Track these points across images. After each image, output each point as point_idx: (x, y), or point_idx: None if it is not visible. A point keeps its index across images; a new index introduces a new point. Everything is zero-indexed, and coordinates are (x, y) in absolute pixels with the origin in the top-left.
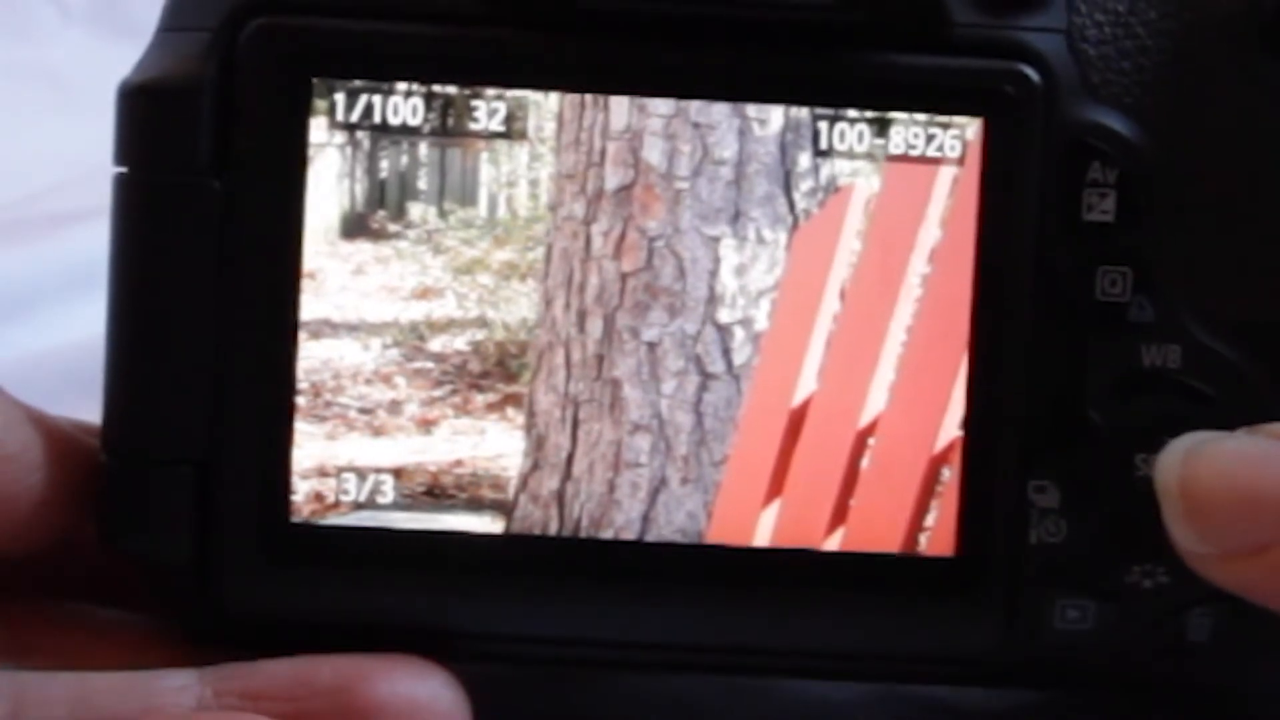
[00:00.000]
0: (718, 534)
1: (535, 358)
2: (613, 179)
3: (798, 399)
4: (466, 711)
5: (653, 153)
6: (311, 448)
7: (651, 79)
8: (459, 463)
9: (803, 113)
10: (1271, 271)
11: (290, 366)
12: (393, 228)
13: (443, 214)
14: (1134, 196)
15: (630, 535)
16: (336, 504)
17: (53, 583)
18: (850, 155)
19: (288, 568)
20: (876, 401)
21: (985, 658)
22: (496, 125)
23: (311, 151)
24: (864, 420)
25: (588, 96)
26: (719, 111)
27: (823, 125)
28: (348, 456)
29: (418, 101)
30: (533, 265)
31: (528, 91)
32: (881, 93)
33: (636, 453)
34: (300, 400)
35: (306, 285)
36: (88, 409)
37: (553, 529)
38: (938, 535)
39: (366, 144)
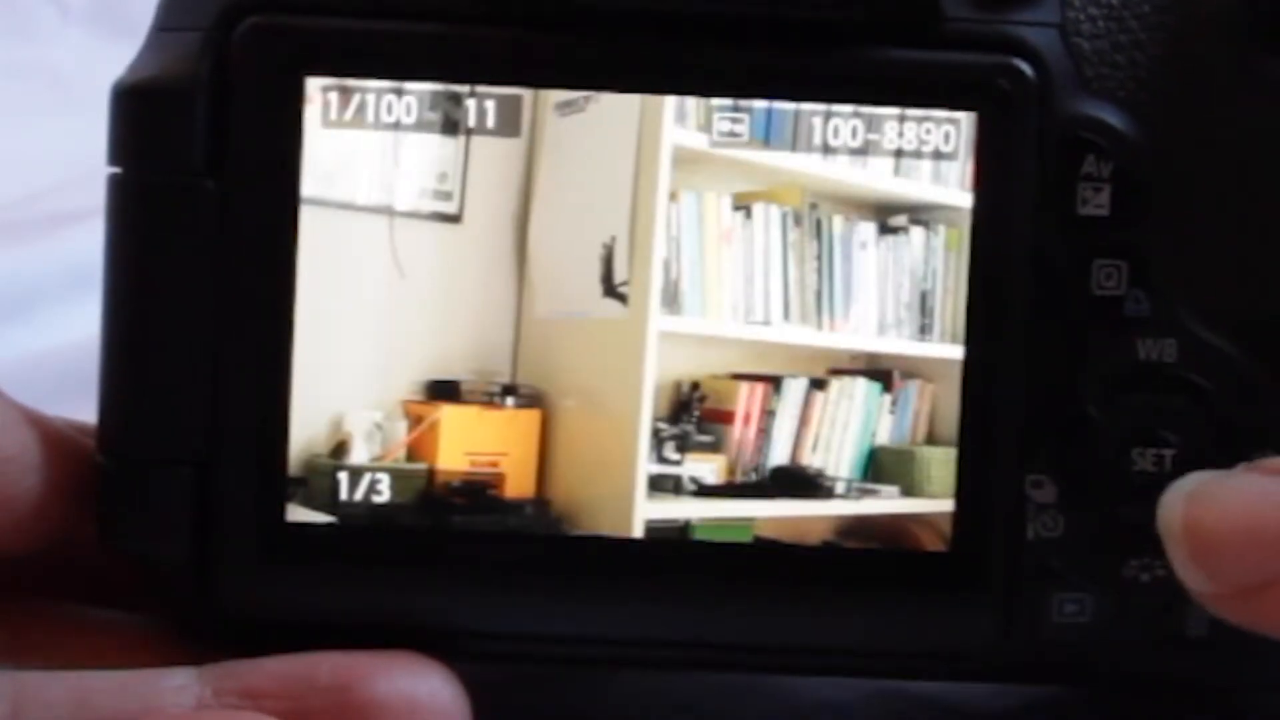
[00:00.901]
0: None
1: None
2: None
3: None
4: (465, 708)
5: None
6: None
7: (647, 77)
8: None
9: None
10: (1267, 265)
11: (287, 365)
12: None
13: None
14: (1129, 190)
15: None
16: None
17: (52, 583)
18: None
19: (286, 567)
20: None
21: (983, 653)
22: None
23: None
24: None
25: None
26: None
27: (816, 121)
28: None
29: None
30: None
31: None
32: (876, 88)
33: None
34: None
35: None
36: (87, 409)
37: (548, 528)
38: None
39: None
